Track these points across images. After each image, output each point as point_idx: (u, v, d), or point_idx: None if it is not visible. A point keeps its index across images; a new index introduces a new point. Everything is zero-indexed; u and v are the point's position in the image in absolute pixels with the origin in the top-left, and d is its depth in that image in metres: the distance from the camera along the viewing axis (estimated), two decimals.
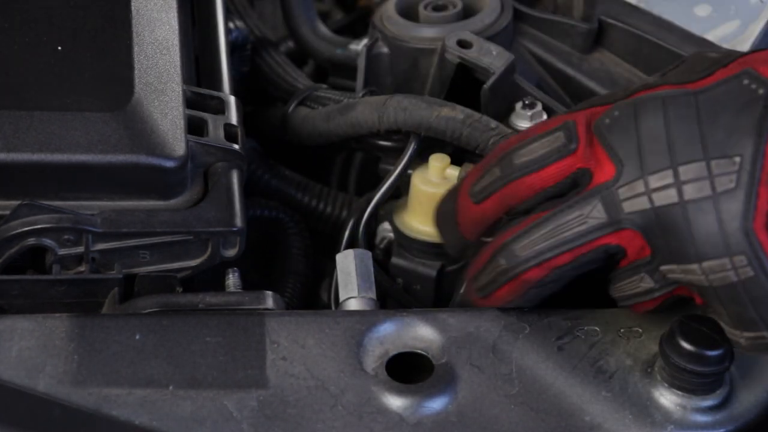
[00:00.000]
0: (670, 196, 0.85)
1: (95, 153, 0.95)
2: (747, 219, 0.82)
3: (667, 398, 0.90)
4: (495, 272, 0.92)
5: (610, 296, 0.94)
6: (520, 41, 1.21)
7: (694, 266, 0.85)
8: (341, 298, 1.00)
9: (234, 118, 1.06)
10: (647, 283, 0.89)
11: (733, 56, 0.88)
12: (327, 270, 1.18)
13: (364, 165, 1.28)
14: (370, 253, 1.02)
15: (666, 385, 0.90)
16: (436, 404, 0.90)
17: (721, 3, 1.21)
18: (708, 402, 0.90)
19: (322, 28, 1.30)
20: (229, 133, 1.04)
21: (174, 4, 1.05)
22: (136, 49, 1.00)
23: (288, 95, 1.21)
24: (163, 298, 0.94)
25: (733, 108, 0.84)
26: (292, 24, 1.30)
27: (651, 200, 0.86)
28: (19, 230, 0.94)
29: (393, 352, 0.93)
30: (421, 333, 0.94)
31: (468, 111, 1.07)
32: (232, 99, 1.07)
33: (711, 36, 1.19)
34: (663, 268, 0.88)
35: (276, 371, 0.90)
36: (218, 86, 1.11)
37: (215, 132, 1.03)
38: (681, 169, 0.85)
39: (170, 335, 0.91)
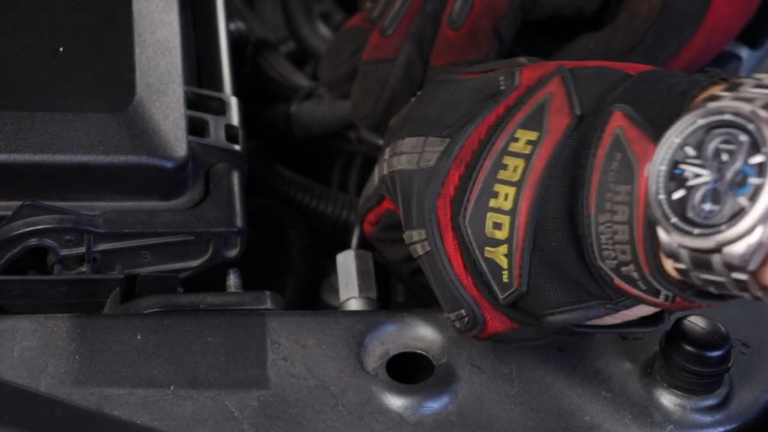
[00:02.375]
0: (393, 164, 0.89)
1: (97, 154, 0.95)
2: (433, 195, 0.85)
3: (666, 398, 0.90)
4: None
5: None
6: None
7: (404, 234, 0.89)
8: (341, 298, 1.00)
9: (235, 119, 1.06)
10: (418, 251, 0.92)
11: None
12: (328, 270, 1.18)
13: (364, 165, 1.28)
14: (370, 254, 1.02)
15: (665, 385, 0.90)
16: (437, 404, 0.90)
17: None
18: (707, 402, 0.90)
19: (323, 29, 1.30)
20: (230, 133, 1.04)
21: (175, 6, 1.05)
22: (137, 50, 1.00)
23: (291, 93, 1.21)
24: (164, 299, 0.95)
25: (475, 98, 0.87)
26: (292, 25, 1.30)
27: (387, 167, 0.91)
28: (21, 231, 0.95)
29: (393, 352, 0.93)
30: (422, 333, 0.94)
31: None
32: (233, 100, 1.07)
33: None
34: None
35: (277, 371, 0.90)
36: (219, 87, 1.11)
37: (216, 133, 1.03)
38: (406, 140, 0.89)
39: (171, 335, 0.91)
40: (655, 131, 0.76)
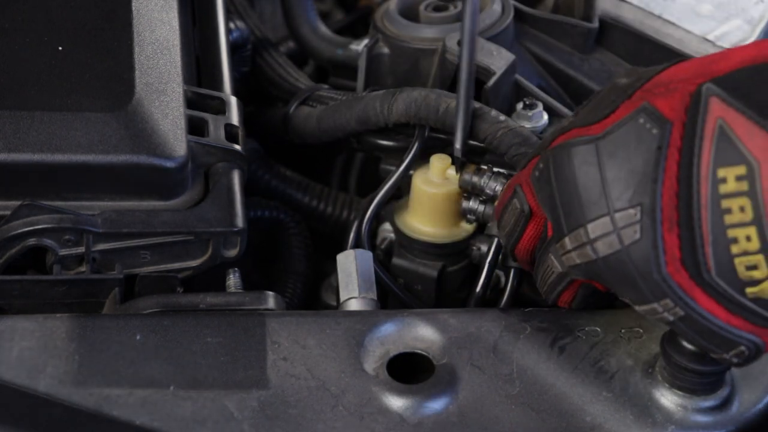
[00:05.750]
0: (588, 254, 0.86)
1: (96, 153, 0.95)
2: (659, 265, 0.83)
3: (668, 398, 0.90)
4: None
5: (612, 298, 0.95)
6: (521, 41, 1.21)
7: (640, 309, 0.86)
8: (342, 298, 1.00)
9: (235, 119, 1.06)
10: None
11: (639, 82, 0.87)
12: (328, 270, 1.18)
13: (364, 165, 1.28)
14: (371, 254, 1.02)
15: (667, 385, 0.90)
16: (437, 404, 0.90)
17: (722, 2, 1.21)
18: (709, 402, 0.90)
19: (323, 29, 1.30)
20: (230, 133, 1.04)
21: (175, 5, 1.05)
22: (136, 49, 1.00)
23: (289, 95, 1.21)
24: (163, 299, 0.94)
25: (630, 153, 0.84)
26: (292, 24, 1.30)
27: (577, 257, 0.87)
28: (20, 230, 0.94)
29: (394, 352, 0.93)
30: (422, 333, 0.94)
31: (477, 104, 1.07)
32: (232, 99, 1.07)
33: (712, 36, 1.19)
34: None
35: (277, 371, 0.90)
36: (219, 86, 1.11)
37: (216, 132, 1.03)
38: (590, 226, 0.85)
39: (171, 335, 0.91)
40: None
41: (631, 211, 0.83)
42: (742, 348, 0.84)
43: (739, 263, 0.81)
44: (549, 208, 0.89)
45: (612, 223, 0.84)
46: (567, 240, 0.87)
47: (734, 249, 0.81)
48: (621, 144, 0.85)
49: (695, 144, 0.82)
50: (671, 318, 0.84)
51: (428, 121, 1.08)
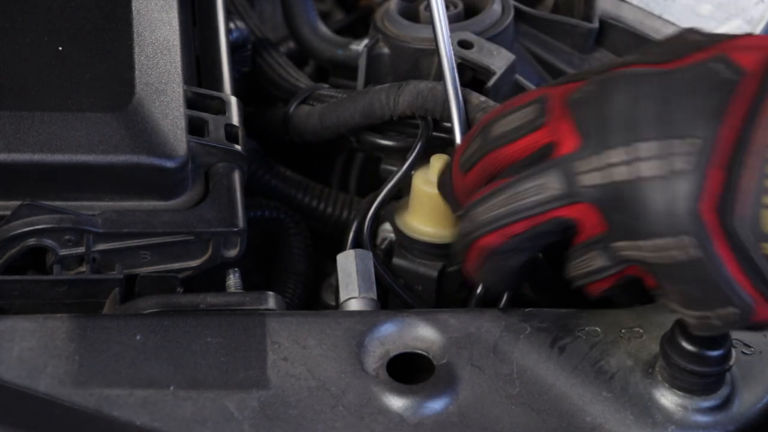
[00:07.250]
0: (626, 172, 0.86)
1: (96, 153, 0.95)
2: (695, 200, 0.83)
3: (668, 398, 0.90)
4: (460, 236, 0.93)
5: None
6: (521, 41, 1.21)
7: (645, 243, 0.85)
8: (342, 298, 1.00)
9: (235, 119, 1.06)
10: (600, 261, 0.89)
11: (713, 40, 0.88)
12: (328, 270, 1.18)
13: (364, 165, 1.28)
14: (371, 254, 1.02)
15: (667, 385, 0.90)
16: (437, 405, 0.90)
17: (722, 2, 1.21)
18: (709, 402, 0.90)
19: (323, 29, 1.30)
20: (230, 133, 1.04)
21: (175, 5, 1.05)
22: (136, 49, 1.00)
23: (289, 95, 1.21)
24: (164, 299, 0.94)
25: (700, 91, 0.85)
26: (292, 24, 1.30)
27: (608, 174, 0.86)
28: (20, 230, 0.94)
29: (394, 352, 0.93)
30: (422, 333, 0.94)
31: (483, 97, 1.07)
32: (233, 99, 1.07)
33: None
34: (616, 244, 0.88)
35: (277, 372, 0.90)
36: (219, 86, 1.11)
37: (216, 132, 1.03)
38: (641, 145, 0.85)
39: (171, 336, 0.91)
40: None
41: (689, 141, 0.84)
42: (731, 309, 0.84)
43: (765, 215, 0.82)
44: (586, 126, 0.88)
45: (666, 147, 0.84)
46: (604, 155, 0.86)
47: (765, 200, 0.82)
48: (693, 81, 0.86)
49: (765, 94, 0.83)
50: (682, 257, 0.84)
51: (435, 113, 1.08)
